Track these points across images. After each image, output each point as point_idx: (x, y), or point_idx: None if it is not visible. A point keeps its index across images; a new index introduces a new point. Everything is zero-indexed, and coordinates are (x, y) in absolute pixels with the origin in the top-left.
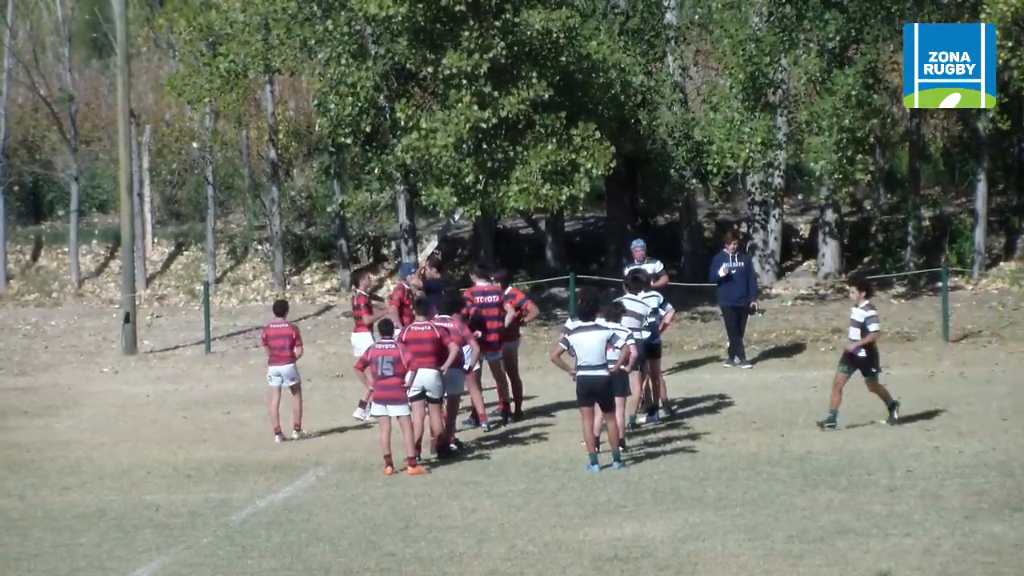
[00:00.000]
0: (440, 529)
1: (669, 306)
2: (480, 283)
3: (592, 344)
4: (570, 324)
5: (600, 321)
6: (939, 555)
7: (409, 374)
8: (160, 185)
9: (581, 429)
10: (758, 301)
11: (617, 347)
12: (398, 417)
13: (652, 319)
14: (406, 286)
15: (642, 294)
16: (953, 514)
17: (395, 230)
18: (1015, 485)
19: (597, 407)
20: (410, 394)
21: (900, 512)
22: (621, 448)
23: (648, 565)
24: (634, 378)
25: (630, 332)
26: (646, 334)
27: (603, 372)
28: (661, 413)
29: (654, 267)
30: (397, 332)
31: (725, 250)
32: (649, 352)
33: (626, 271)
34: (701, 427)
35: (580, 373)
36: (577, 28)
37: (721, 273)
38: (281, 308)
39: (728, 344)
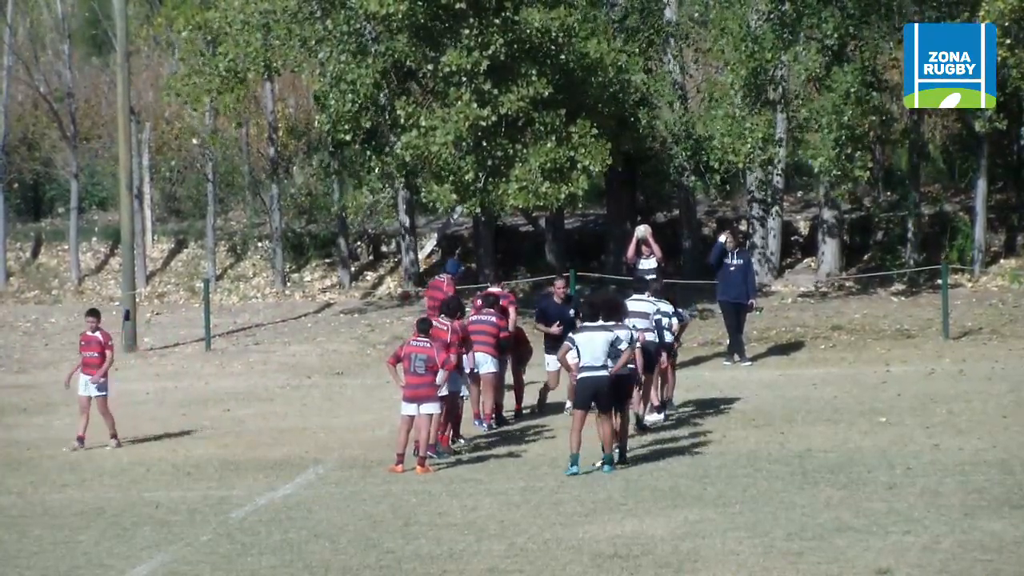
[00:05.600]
0: (440, 527)
1: (683, 316)
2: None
3: (597, 344)
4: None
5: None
6: (939, 552)
7: (441, 373)
8: (160, 182)
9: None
10: (756, 299)
11: (620, 349)
12: (428, 415)
13: (666, 320)
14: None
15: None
16: (953, 511)
17: (395, 227)
18: (1015, 483)
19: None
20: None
21: (900, 509)
22: (617, 450)
23: (648, 562)
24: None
25: (631, 333)
26: (653, 335)
27: (605, 373)
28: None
29: (650, 264)
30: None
31: (726, 245)
32: (665, 352)
33: (629, 252)
34: (701, 424)
35: (582, 374)
36: (576, 27)
37: (716, 254)
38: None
39: (728, 342)
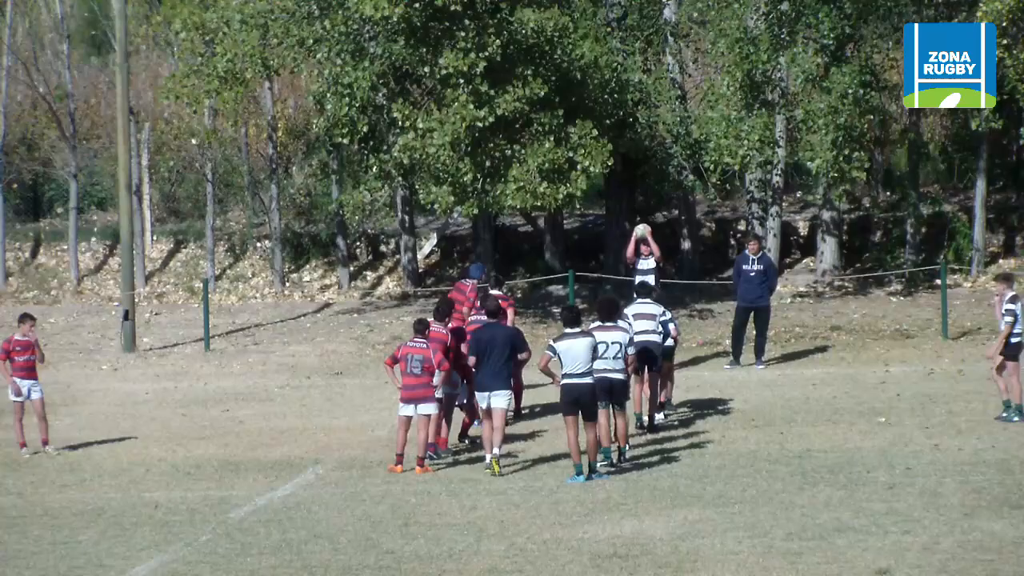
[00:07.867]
0: (439, 527)
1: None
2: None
3: (579, 351)
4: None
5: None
6: (938, 553)
7: (438, 374)
8: (159, 182)
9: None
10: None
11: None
12: (426, 416)
13: (663, 319)
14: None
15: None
16: (952, 512)
17: (394, 227)
18: (1014, 483)
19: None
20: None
21: (899, 510)
22: (615, 453)
23: (647, 562)
24: (637, 381)
25: (631, 337)
26: (659, 336)
27: (588, 380)
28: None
29: (649, 263)
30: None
31: (747, 251)
32: (663, 355)
33: (628, 251)
34: (700, 425)
35: (565, 381)
36: (570, 28)
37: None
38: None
39: (754, 345)
